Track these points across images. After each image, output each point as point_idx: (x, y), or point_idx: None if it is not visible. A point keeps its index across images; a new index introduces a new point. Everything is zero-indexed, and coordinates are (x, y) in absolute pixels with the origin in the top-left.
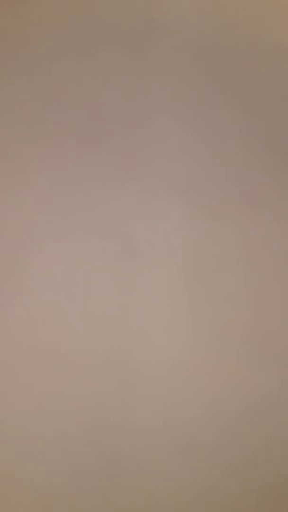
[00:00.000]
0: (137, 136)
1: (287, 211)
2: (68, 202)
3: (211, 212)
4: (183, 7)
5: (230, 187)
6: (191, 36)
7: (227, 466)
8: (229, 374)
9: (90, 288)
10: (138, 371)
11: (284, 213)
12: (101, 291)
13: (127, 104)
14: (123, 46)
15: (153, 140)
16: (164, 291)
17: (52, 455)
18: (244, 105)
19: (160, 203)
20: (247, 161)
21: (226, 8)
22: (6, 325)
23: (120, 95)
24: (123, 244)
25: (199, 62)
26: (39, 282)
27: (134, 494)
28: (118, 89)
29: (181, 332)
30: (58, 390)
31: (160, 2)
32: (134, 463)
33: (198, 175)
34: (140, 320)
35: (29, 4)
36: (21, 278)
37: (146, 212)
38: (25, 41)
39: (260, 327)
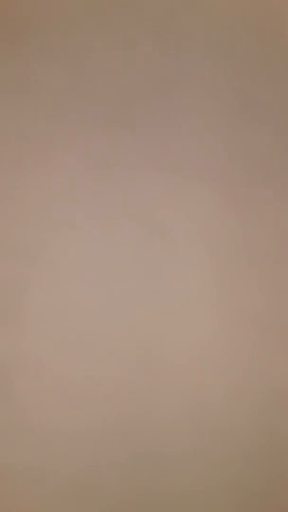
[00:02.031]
0: (169, 123)
1: None
2: (100, 187)
3: (242, 200)
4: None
5: (261, 176)
6: (227, 28)
7: (254, 451)
8: (257, 362)
9: (119, 274)
10: (166, 359)
11: None
12: (130, 278)
13: (161, 92)
14: (160, 36)
15: (185, 128)
16: (193, 278)
17: (82, 445)
18: (278, 94)
19: (192, 190)
20: (279, 150)
21: (263, 2)
22: (33, 311)
23: (154, 83)
24: (154, 230)
25: (233, 54)
26: (67, 268)
27: (164, 481)
28: (153, 77)
29: (210, 319)
30: (85, 378)
31: None
32: (163, 451)
33: (229, 163)
34: (169, 307)
35: None
36: (48, 263)
37: (177, 198)
38: (59, 27)
39: (286, 315)
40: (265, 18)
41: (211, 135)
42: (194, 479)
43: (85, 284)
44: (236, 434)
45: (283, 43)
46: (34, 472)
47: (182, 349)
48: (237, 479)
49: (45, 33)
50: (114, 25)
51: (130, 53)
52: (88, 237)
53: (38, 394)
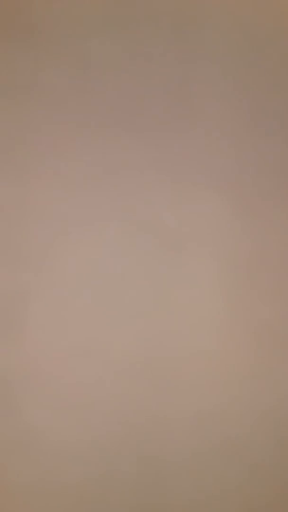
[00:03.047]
0: (179, 130)
1: None
2: (105, 195)
3: (253, 210)
4: None
5: (273, 186)
6: (240, 33)
7: (262, 459)
8: (266, 372)
9: (123, 284)
10: (172, 370)
11: None
12: (135, 287)
13: (169, 98)
14: (169, 40)
15: (197, 130)
16: (202, 288)
17: (87, 455)
18: None
19: (203, 196)
20: None
21: (280, 8)
22: (35, 321)
23: (163, 88)
24: (161, 240)
25: (246, 59)
26: (69, 278)
27: (170, 490)
28: (161, 82)
29: (217, 330)
30: (88, 388)
31: None
32: (171, 460)
33: (241, 173)
34: (175, 317)
35: None
36: (51, 272)
37: (186, 207)
38: (64, 29)
39: None
40: (281, 25)
41: (223, 144)
42: (200, 488)
43: (88, 293)
44: (243, 443)
45: None
46: (38, 481)
47: (189, 359)
48: (243, 488)
49: (49, 36)
50: (122, 28)
51: (138, 57)
52: (92, 246)
53: (40, 404)
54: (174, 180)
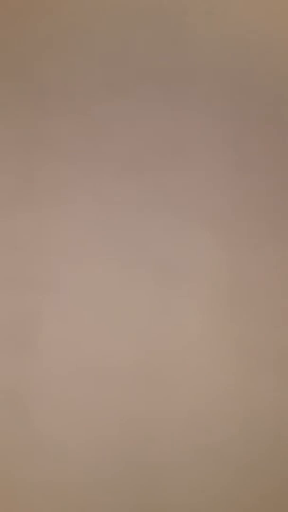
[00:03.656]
0: (173, 166)
1: None
2: (110, 229)
3: (244, 242)
4: (216, 44)
5: (264, 218)
6: (225, 69)
7: (254, 467)
8: (248, 384)
9: (127, 306)
10: (171, 389)
11: None
12: (138, 310)
13: (163, 135)
14: (159, 82)
15: (188, 171)
16: (194, 310)
17: (87, 465)
18: (279, 138)
19: (196, 231)
20: (280, 194)
21: (256, 47)
22: (46, 340)
23: (157, 127)
24: (159, 268)
25: (233, 96)
26: (77, 300)
27: (169, 492)
28: (155, 123)
29: (207, 347)
30: (93, 405)
31: (193, 37)
32: (170, 463)
33: (233, 206)
34: (173, 340)
35: (64, 42)
36: (60, 295)
37: (182, 238)
38: (62, 75)
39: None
40: (268, 71)
41: (212, 188)
42: (199, 490)
43: (95, 315)
44: (235, 453)
45: (283, 95)
46: (48, 489)
47: (180, 374)
48: (236, 494)
49: (52, 90)
50: (122, 87)
51: (136, 111)
52: (99, 271)
53: (49, 415)
54: (170, 218)
